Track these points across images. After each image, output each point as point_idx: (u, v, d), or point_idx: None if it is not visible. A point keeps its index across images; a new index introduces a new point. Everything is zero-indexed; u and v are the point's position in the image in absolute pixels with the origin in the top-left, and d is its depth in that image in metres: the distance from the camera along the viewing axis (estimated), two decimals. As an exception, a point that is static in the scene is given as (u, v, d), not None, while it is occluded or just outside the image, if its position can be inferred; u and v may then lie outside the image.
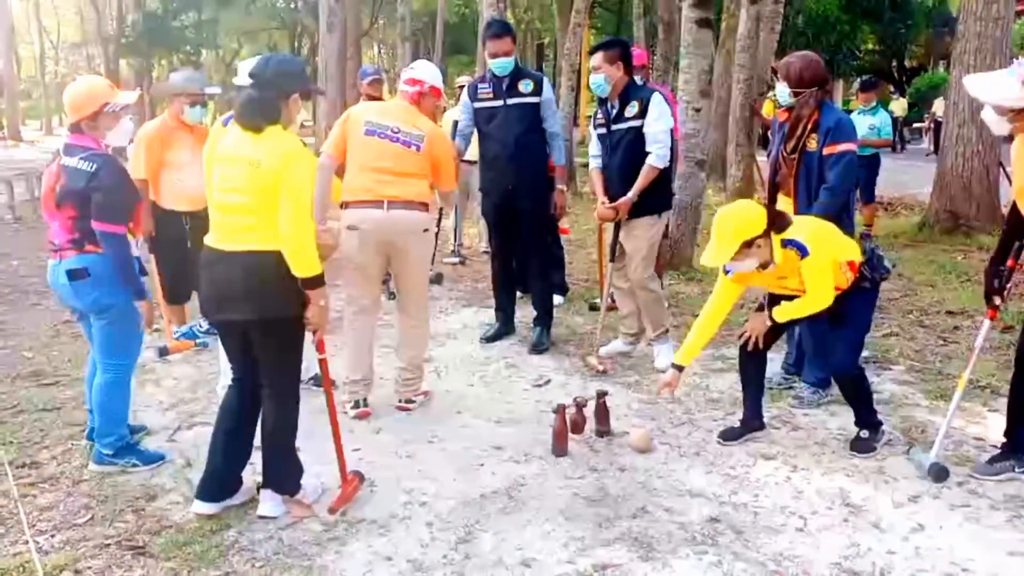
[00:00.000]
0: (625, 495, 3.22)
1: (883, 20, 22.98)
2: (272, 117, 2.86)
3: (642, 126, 4.47)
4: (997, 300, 3.39)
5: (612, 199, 4.58)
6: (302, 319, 2.93)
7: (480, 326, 5.52)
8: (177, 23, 28.04)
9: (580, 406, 3.74)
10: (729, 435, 3.73)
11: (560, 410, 3.61)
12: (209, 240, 2.96)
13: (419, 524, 3.01)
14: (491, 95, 4.92)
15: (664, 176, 4.58)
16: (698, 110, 6.78)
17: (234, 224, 2.88)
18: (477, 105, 4.99)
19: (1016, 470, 3.31)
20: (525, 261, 5.30)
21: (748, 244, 3.30)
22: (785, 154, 3.99)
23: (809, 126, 3.88)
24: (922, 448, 3.52)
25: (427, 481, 3.34)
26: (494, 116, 4.93)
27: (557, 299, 5.87)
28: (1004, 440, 3.40)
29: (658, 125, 4.45)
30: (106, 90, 3.35)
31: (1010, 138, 3.14)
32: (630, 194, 4.46)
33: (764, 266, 3.41)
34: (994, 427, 3.70)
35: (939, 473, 3.32)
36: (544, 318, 5.17)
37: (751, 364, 3.75)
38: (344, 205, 3.97)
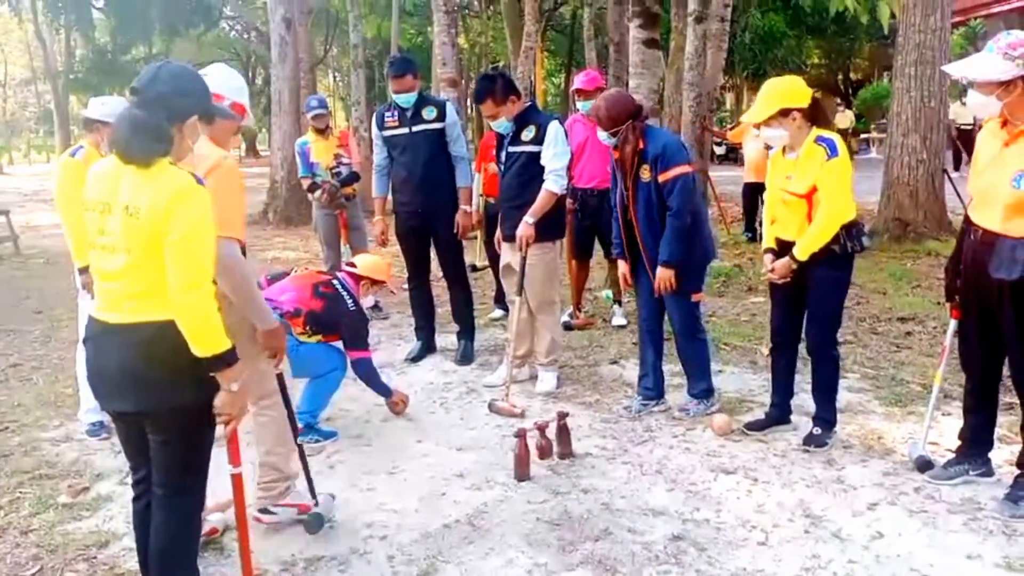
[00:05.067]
0: (588, 517, 3.20)
1: (827, 35, 23.55)
2: (163, 147, 2.22)
3: (538, 152, 4.45)
4: (958, 297, 3.42)
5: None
6: (209, 408, 2.31)
7: (441, 351, 5.50)
8: (127, 57, 27.74)
9: (542, 429, 3.73)
10: (754, 426, 3.96)
11: (521, 434, 3.59)
12: (94, 308, 2.38)
13: (380, 558, 2.96)
14: (396, 123, 5.12)
15: (557, 202, 4.52)
16: (649, 129, 6.85)
17: (118, 291, 2.27)
18: (386, 134, 5.17)
19: (971, 473, 3.36)
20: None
21: (785, 113, 3.54)
22: (626, 190, 4.09)
23: (635, 159, 3.98)
24: (914, 442, 3.68)
25: (388, 513, 3.29)
26: (401, 143, 5.10)
27: (498, 312, 6.31)
28: (959, 444, 3.46)
29: (553, 151, 4.42)
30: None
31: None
32: (528, 219, 4.39)
33: (785, 150, 3.65)
34: (948, 432, 3.75)
35: (922, 465, 3.46)
36: (467, 332, 5.41)
37: (781, 359, 3.92)
38: None
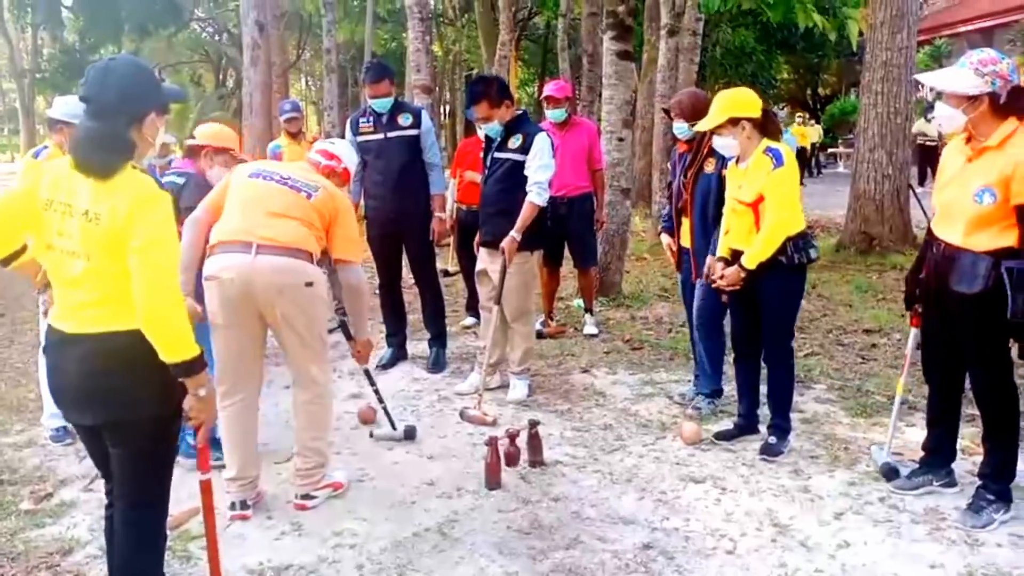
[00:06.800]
0: (558, 526, 3.21)
1: (796, 51, 23.90)
2: (123, 156, 2.18)
3: (523, 161, 4.46)
4: (919, 307, 3.48)
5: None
6: (171, 419, 2.30)
7: (413, 358, 5.48)
8: (96, 56, 27.37)
9: (512, 437, 3.73)
10: (723, 435, 4.00)
11: (492, 442, 3.59)
12: (52, 316, 2.31)
13: (349, 567, 2.94)
14: (372, 129, 5.12)
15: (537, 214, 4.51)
16: (622, 140, 6.92)
17: (76, 299, 2.21)
18: (360, 139, 5.16)
19: (934, 484, 3.41)
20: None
21: (735, 123, 3.64)
22: (685, 180, 4.28)
23: (706, 151, 4.15)
24: (879, 448, 3.73)
25: (357, 522, 3.27)
26: (375, 149, 5.10)
27: (469, 320, 6.30)
28: (922, 454, 3.52)
29: (539, 163, 4.43)
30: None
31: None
32: (515, 235, 4.41)
33: (738, 160, 3.74)
34: (912, 442, 3.82)
35: (888, 473, 3.51)
36: (439, 338, 5.42)
37: (743, 369, 3.99)
38: (208, 253, 3.25)
